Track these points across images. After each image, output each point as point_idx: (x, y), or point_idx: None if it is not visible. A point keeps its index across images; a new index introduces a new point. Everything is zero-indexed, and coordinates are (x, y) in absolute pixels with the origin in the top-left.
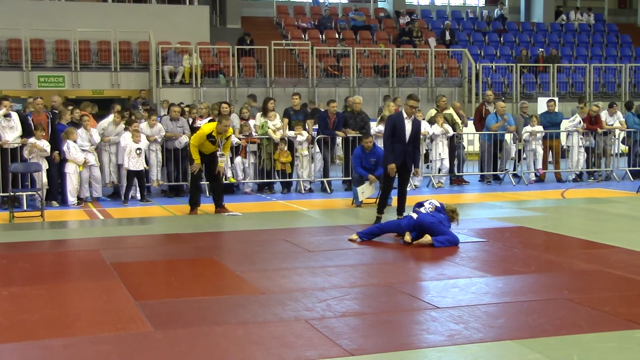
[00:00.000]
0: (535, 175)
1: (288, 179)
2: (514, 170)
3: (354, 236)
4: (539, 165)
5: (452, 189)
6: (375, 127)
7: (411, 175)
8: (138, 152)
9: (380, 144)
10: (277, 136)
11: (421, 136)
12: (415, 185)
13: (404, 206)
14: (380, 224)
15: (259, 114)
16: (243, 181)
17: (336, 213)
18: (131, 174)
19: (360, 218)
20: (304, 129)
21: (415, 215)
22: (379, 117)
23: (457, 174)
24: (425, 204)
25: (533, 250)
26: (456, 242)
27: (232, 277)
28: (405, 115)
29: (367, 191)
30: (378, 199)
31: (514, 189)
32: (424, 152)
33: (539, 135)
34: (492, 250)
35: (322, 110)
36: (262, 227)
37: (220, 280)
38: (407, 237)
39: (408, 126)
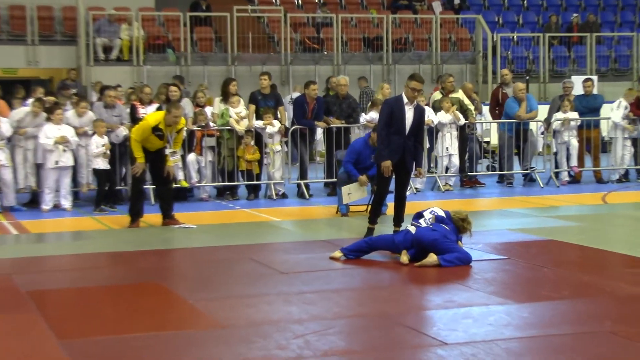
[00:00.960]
0: (569, 174)
1: (255, 182)
2: (542, 168)
3: (337, 253)
4: (574, 162)
5: (463, 192)
6: (366, 116)
7: (412, 176)
8: (104, 150)
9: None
10: (241, 127)
11: (425, 127)
12: (416, 189)
13: (402, 215)
14: (370, 238)
15: (217, 100)
16: (198, 185)
17: (316, 224)
18: (102, 175)
19: (346, 230)
20: (276, 117)
21: (413, 229)
22: (370, 103)
23: (469, 173)
24: (425, 214)
25: (566, 269)
26: (468, 261)
27: (184, 307)
28: (405, 99)
29: (354, 193)
30: (370, 206)
31: (541, 192)
32: (427, 146)
33: (573, 124)
34: (514, 271)
35: (298, 94)
36: (222, 242)
37: (169, 311)
38: (404, 258)
39: (409, 114)
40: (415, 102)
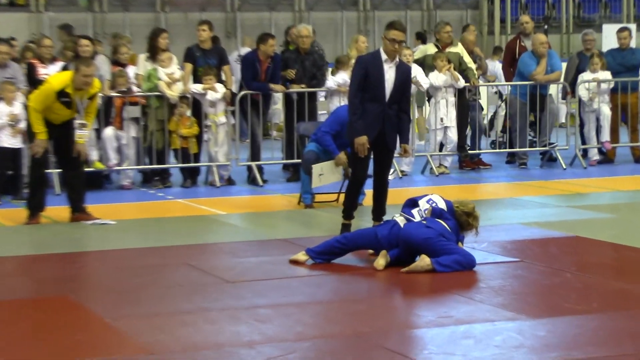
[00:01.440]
0: (600, 151)
1: (193, 164)
2: (565, 144)
3: (301, 256)
4: (606, 137)
5: (463, 176)
6: (335, 78)
7: (396, 156)
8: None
9: (340, 103)
10: (173, 93)
11: (412, 90)
12: (402, 172)
13: (384, 206)
14: (344, 235)
15: (142, 57)
16: (118, 168)
17: (272, 219)
18: (6, 154)
19: (312, 226)
20: (219, 80)
21: (401, 221)
22: (335, 61)
23: (470, 152)
24: (420, 202)
25: (595, 274)
26: (470, 264)
27: (100, 327)
28: (384, 56)
29: (327, 175)
30: (343, 195)
31: (563, 175)
32: (417, 116)
33: (604, 87)
34: (528, 277)
35: (248, 49)
36: (149, 243)
37: (80, 332)
38: (381, 261)
39: (389, 74)
40: (398, 59)
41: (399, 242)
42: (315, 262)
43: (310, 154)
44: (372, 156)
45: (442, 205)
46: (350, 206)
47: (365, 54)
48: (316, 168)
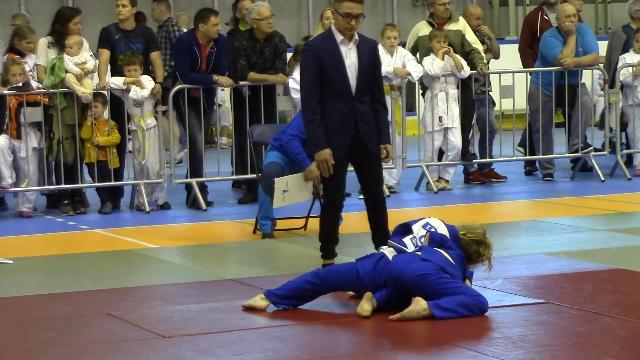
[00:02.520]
0: None
1: (114, 183)
2: (603, 149)
3: (260, 301)
4: None
5: (469, 193)
6: (297, 78)
7: (399, 164)
8: None
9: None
10: (86, 90)
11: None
12: (388, 188)
13: (385, 229)
14: (316, 273)
15: (44, 42)
16: (14, 190)
17: (220, 253)
18: None
19: (273, 262)
20: (146, 71)
21: (390, 254)
22: (294, 50)
23: (478, 160)
24: (414, 228)
25: None
26: (480, 308)
27: None
28: (338, 37)
29: (293, 192)
30: (320, 224)
31: (601, 189)
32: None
33: None
34: (556, 323)
35: (184, 30)
36: (58, 287)
37: None
38: (365, 306)
39: (350, 58)
40: (356, 37)
41: (387, 280)
42: (277, 308)
43: (272, 167)
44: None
45: (442, 230)
46: (329, 239)
47: (313, 38)
48: (280, 182)
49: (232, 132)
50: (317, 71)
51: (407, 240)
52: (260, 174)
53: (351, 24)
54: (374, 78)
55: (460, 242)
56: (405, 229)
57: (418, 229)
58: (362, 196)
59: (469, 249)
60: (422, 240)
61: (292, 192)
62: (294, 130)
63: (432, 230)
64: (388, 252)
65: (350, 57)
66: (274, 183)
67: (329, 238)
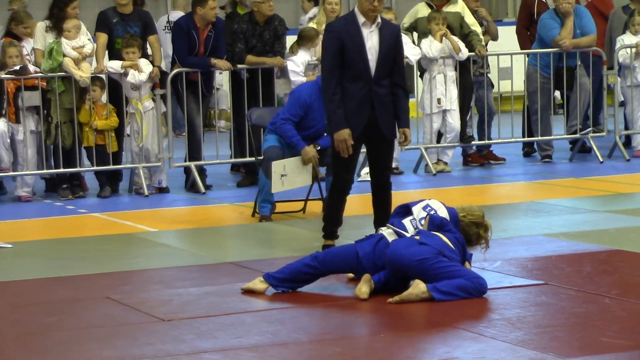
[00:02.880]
0: None
1: (113, 167)
2: (600, 128)
3: (259, 284)
4: None
5: (468, 174)
6: (296, 58)
7: (397, 146)
8: None
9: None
10: (83, 74)
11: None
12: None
13: (389, 215)
14: (314, 256)
15: (41, 26)
16: (12, 174)
17: (218, 236)
18: None
19: (271, 245)
20: (144, 55)
21: (389, 236)
22: (298, 35)
23: (477, 142)
24: (414, 210)
25: None
26: (479, 290)
27: None
28: (361, 19)
29: (292, 176)
30: (323, 204)
31: (600, 170)
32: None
33: None
34: (555, 304)
35: (181, 14)
36: (57, 272)
37: None
38: (363, 288)
39: (372, 41)
40: (379, 20)
41: (386, 264)
42: (276, 291)
43: (272, 151)
44: (356, 153)
45: (443, 213)
46: (332, 220)
47: (336, 19)
48: (277, 166)
49: (230, 114)
50: (338, 52)
51: (406, 222)
52: (259, 157)
53: (374, 5)
54: (395, 62)
55: (460, 225)
56: (405, 210)
57: (418, 211)
58: (360, 178)
59: (469, 231)
60: (422, 222)
61: (290, 176)
62: (285, 114)
63: (432, 212)
64: (387, 233)
65: (371, 39)
66: (272, 167)
67: (332, 219)
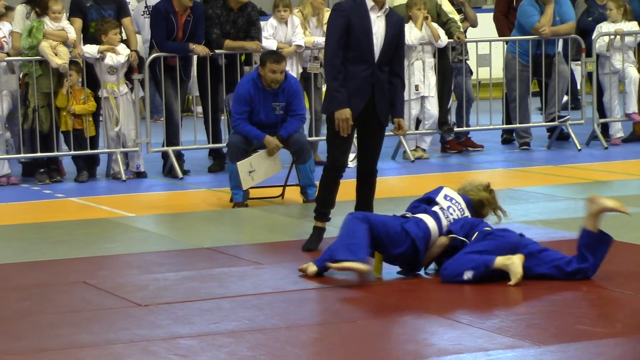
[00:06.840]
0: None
1: (90, 151)
2: (580, 118)
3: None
4: (633, 107)
5: (446, 161)
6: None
7: (392, 133)
8: None
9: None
10: (59, 61)
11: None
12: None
13: (371, 203)
14: (362, 217)
15: (20, 9)
16: None
17: (196, 221)
18: None
19: (249, 231)
20: (122, 40)
21: (429, 220)
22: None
23: (456, 129)
24: (439, 200)
25: (620, 287)
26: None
27: None
28: (369, 3)
29: (260, 170)
30: (318, 186)
31: (578, 157)
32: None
33: (629, 41)
34: (531, 291)
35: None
36: (33, 256)
37: None
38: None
39: (378, 26)
40: (387, 7)
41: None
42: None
43: (236, 137)
44: (353, 134)
45: (459, 200)
46: (324, 202)
47: (344, 0)
48: (243, 165)
49: (208, 102)
50: (344, 32)
51: (437, 209)
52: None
53: None
54: (396, 51)
55: (470, 205)
56: (428, 198)
57: (442, 200)
58: (350, 165)
59: (483, 212)
60: (455, 214)
61: (258, 170)
62: (235, 116)
63: (453, 201)
64: (427, 219)
65: (377, 24)
66: (237, 168)
67: (325, 201)
